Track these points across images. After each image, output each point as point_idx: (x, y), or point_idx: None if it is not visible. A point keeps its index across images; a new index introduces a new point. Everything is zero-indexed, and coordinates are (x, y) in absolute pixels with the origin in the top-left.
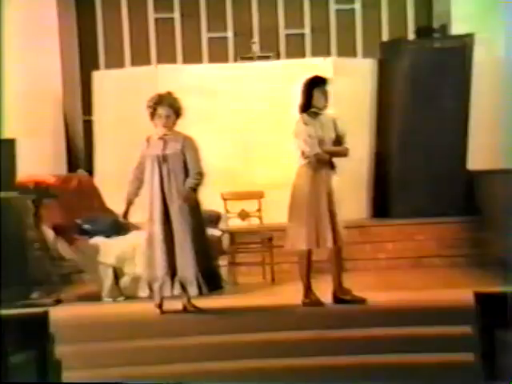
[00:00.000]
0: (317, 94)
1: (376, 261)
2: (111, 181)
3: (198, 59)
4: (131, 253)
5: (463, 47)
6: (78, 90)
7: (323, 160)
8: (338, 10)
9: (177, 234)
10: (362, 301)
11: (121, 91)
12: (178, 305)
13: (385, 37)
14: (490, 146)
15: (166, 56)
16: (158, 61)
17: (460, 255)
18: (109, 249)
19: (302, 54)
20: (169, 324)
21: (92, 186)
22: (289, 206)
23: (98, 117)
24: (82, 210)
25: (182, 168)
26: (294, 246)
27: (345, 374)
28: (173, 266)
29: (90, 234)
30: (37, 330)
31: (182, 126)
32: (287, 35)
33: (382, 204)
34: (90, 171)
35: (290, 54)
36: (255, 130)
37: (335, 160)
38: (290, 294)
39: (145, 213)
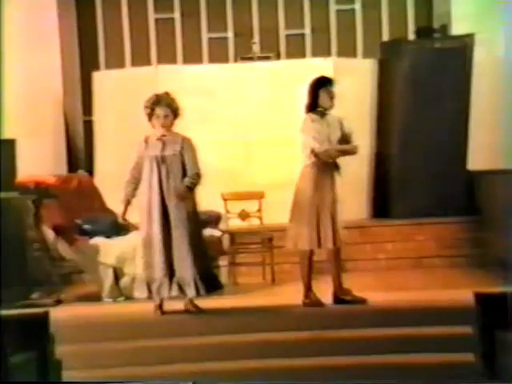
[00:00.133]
0: (322, 94)
1: (376, 261)
2: (111, 181)
3: (198, 59)
4: (131, 253)
5: (463, 47)
6: (79, 90)
7: (333, 157)
8: (338, 11)
9: (175, 235)
10: (362, 301)
11: (121, 91)
12: (177, 305)
13: (385, 37)
14: (490, 146)
15: (166, 56)
16: (158, 61)
17: (460, 255)
18: (109, 249)
19: (303, 55)
20: (169, 324)
21: (92, 186)
22: (292, 205)
23: (98, 117)
24: (82, 210)
25: (180, 169)
26: (297, 246)
27: (345, 374)
28: (171, 267)
29: (90, 234)
30: (37, 331)
31: (182, 126)
32: (287, 35)
33: (382, 204)
34: (90, 171)
35: (291, 55)
36: (255, 130)
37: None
38: (291, 295)
39: (142, 213)
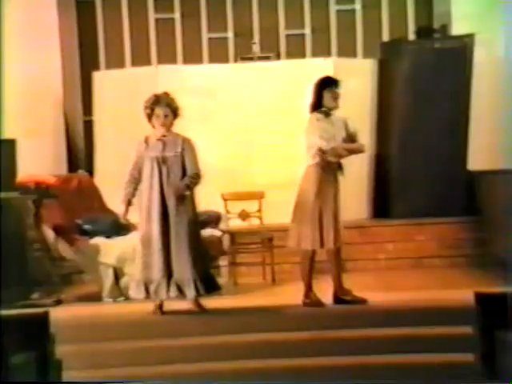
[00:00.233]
0: (327, 94)
1: (376, 261)
2: (111, 181)
3: (198, 59)
4: (131, 253)
5: (463, 47)
6: (79, 90)
7: (341, 155)
8: (338, 11)
9: (174, 236)
10: (362, 301)
11: (121, 91)
12: (178, 305)
13: (385, 37)
14: (490, 146)
15: (167, 56)
16: (159, 61)
17: (460, 255)
18: (109, 249)
19: (303, 55)
20: (169, 324)
21: (92, 186)
22: (294, 205)
23: (98, 117)
24: (82, 210)
25: (180, 169)
26: (299, 245)
27: (345, 374)
28: (169, 268)
29: (91, 234)
30: (37, 331)
31: (182, 126)
32: (287, 35)
33: (382, 204)
34: (91, 171)
35: (291, 55)
36: (255, 130)
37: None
38: (291, 295)
39: (142, 213)
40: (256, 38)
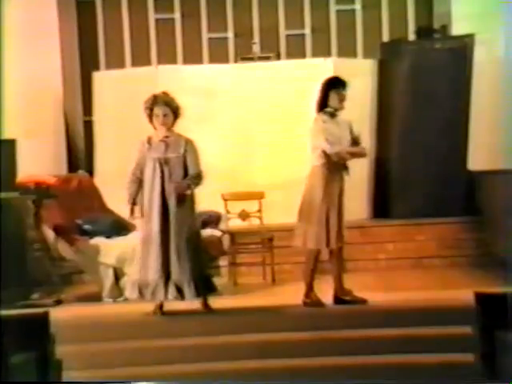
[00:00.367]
0: (333, 95)
1: (376, 261)
2: (111, 181)
3: (198, 60)
4: (131, 253)
5: (463, 47)
6: (79, 90)
7: (344, 159)
8: (338, 11)
9: (174, 237)
10: (362, 301)
11: (121, 92)
12: (178, 305)
13: (385, 37)
14: (490, 146)
15: (167, 56)
16: (159, 61)
17: (460, 255)
18: (109, 249)
19: (303, 55)
20: (169, 324)
21: (92, 186)
22: (300, 204)
23: (98, 117)
24: (82, 210)
25: (182, 171)
26: (306, 245)
27: (345, 374)
28: (167, 269)
29: (91, 234)
30: (37, 331)
31: (182, 126)
32: (287, 36)
33: (382, 204)
34: (91, 171)
35: (291, 55)
36: (255, 130)
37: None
38: (291, 295)
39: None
40: (256, 38)
